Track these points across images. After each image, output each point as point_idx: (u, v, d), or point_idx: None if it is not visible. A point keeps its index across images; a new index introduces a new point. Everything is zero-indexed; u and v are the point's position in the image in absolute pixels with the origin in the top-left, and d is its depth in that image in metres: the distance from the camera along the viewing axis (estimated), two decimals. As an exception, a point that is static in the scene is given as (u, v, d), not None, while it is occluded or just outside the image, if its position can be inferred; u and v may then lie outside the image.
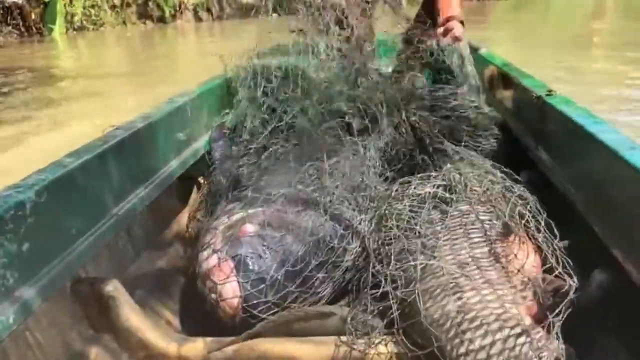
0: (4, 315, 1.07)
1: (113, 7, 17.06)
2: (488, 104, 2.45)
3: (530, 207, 1.57)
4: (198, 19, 17.92)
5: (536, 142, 1.95)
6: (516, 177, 1.69)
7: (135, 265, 1.68)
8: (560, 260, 1.33)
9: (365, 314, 1.38)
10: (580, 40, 10.12)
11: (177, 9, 17.56)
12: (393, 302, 1.33)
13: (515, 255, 1.40)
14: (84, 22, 16.38)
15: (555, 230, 1.48)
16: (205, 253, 1.51)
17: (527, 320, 1.22)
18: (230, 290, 1.43)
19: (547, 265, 1.32)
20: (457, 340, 1.22)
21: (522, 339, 1.18)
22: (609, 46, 9.90)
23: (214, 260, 1.48)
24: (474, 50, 3.05)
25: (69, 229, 1.34)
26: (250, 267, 1.45)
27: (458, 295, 1.29)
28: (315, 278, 1.50)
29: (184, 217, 2.05)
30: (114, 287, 1.38)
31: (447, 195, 1.59)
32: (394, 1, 2.67)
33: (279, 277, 1.45)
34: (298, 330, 1.39)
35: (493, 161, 1.81)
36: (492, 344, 1.18)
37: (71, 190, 1.37)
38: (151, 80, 8.52)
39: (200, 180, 2.17)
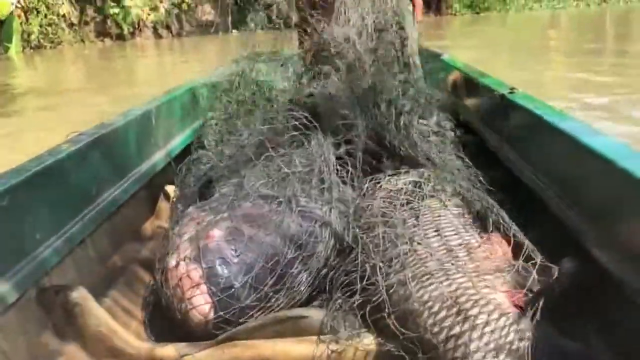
0: None
1: (71, 25, 16.83)
2: (454, 108, 2.52)
3: (498, 200, 1.60)
4: (158, 36, 17.78)
5: (501, 141, 1.99)
6: (482, 175, 1.73)
7: (101, 272, 1.65)
8: (529, 250, 1.36)
9: (340, 312, 1.38)
10: (535, 50, 10.38)
11: (136, 26, 17.41)
12: (374, 294, 1.34)
13: (488, 246, 1.43)
14: (41, 40, 16.12)
15: (525, 223, 1.52)
16: (173, 261, 1.48)
17: (505, 305, 1.24)
18: (200, 298, 1.41)
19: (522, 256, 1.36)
20: (436, 329, 1.23)
21: (502, 323, 1.19)
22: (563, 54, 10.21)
23: (182, 268, 1.45)
24: (436, 56, 3.15)
25: (31, 234, 1.33)
26: (219, 273, 1.44)
27: (435, 284, 1.30)
28: (288, 277, 1.49)
29: (150, 224, 2.04)
30: (79, 294, 1.36)
31: (418, 190, 1.61)
32: None
33: (250, 280, 1.44)
34: (272, 333, 1.38)
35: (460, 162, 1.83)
36: (473, 329, 1.20)
37: (34, 194, 1.35)
38: (109, 93, 8.46)
39: (167, 188, 2.14)
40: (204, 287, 1.42)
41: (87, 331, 1.34)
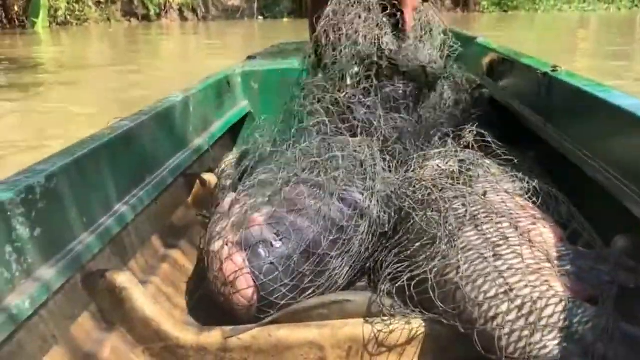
0: (15, 304, 1.04)
1: (98, 3, 16.98)
2: (489, 89, 2.48)
3: (546, 182, 1.53)
4: (183, 18, 17.83)
5: (545, 120, 1.91)
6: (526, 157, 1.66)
7: (144, 258, 1.62)
8: (584, 232, 1.30)
9: (386, 293, 1.33)
10: (561, 53, 10.22)
11: (163, 7, 17.46)
12: (425, 278, 1.27)
13: (542, 230, 1.34)
14: (68, 17, 16.27)
15: (577, 205, 1.46)
16: (215, 245, 1.46)
17: (565, 291, 1.16)
18: (243, 281, 1.39)
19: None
20: (491, 313, 1.15)
21: (562, 308, 1.11)
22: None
23: (224, 252, 1.43)
24: (471, 39, 3.08)
25: (77, 219, 1.31)
26: (262, 256, 1.41)
27: (488, 266, 1.22)
28: (329, 260, 1.45)
29: (190, 210, 2.02)
30: (126, 279, 1.33)
31: (466, 170, 1.53)
32: None
33: (292, 263, 1.41)
34: (317, 316, 1.35)
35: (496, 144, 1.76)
36: (529, 314, 1.12)
37: (79, 179, 1.34)
38: (128, 70, 8.46)
39: (205, 175, 2.12)
40: (246, 271, 1.39)
41: (133, 316, 1.31)
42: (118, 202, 1.51)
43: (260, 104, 2.43)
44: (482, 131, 1.67)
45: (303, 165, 1.68)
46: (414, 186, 1.51)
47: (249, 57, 3.06)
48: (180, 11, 17.82)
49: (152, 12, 17.23)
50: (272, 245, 1.42)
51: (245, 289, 1.38)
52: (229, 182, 1.79)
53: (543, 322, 1.10)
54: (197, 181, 2.10)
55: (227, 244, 1.44)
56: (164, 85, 7.43)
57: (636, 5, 21.30)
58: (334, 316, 1.34)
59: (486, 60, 2.71)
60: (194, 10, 17.95)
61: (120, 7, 17.39)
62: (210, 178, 2.06)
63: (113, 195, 1.50)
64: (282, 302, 1.38)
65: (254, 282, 1.38)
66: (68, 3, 16.22)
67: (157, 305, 1.36)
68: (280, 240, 1.44)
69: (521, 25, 17.29)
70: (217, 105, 2.44)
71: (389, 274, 1.37)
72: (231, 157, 2.01)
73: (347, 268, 1.50)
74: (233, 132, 2.16)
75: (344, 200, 1.56)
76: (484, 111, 2.27)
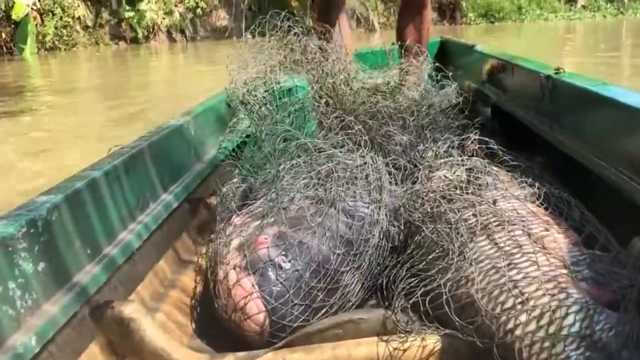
0: (21, 342, 1.01)
1: (86, 27, 16.96)
2: (489, 96, 2.48)
3: (557, 187, 1.51)
4: (172, 40, 17.86)
5: (551, 123, 1.89)
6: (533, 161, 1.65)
7: (151, 286, 1.59)
8: (602, 239, 1.28)
9: (400, 310, 1.30)
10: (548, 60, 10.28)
11: (151, 30, 17.47)
12: (436, 288, 1.24)
13: (556, 235, 1.32)
14: (56, 42, 16.23)
15: (590, 208, 1.43)
16: (223, 270, 1.43)
17: (583, 297, 1.13)
18: (254, 306, 1.34)
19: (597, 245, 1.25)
20: (510, 325, 1.12)
21: (583, 315, 1.08)
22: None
23: (232, 277, 1.39)
24: (469, 47, 3.08)
25: (81, 250, 1.29)
26: (272, 278, 1.37)
27: (510, 283, 1.19)
28: (341, 277, 1.42)
29: (196, 236, 1.98)
30: (134, 309, 1.30)
31: (474, 179, 1.50)
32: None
33: (303, 284, 1.37)
34: (332, 336, 1.31)
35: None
36: (550, 323, 1.08)
37: (82, 208, 1.33)
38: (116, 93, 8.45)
39: (209, 200, 2.09)
40: (256, 295, 1.35)
41: (143, 347, 1.27)
42: (122, 231, 1.48)
43: (262, 124, 2.42)
44: (487, 139, 1.65)
45: (307, 183, 1.65)
46: (422, 198, 1.48)
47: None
48: (169, 33, 17.83)
49: (140, 35, 17.23)
50: (280, 267, 1.38)
51: (256, 315, 1.34)
52: (233, 204, 1.74)
53: (564, 332, 1.07)
54: (202, 205, 2.07)
55: (234, 269, 1.40)
56: (160, 105, 7.46)
57: (622, 13, 21.49)
58: (349, 336, 1.30)
59: (486, 67, 2.70)
60: (182, 32, 17.98)
61: (108, 30, 17.38)
62: (214, 202, 2.03)
63: (116, 224, 1.47)
64: (295, 325, 1.34)
65: (265, 306, 1.34)
66: (56, 28, 16.19)
67: (167, 334, 1.33)
68: (289, 260, 1.40)
69: (509, 34, 17.40)
70: (219, 128, 2.40)
71: (402, 289, 1.33)
72: (235, 180, 1.99)
73: (359, 285, 1.46)
74: (236, 154, 2.14)
75: (351, 215, 1.52)
76: (487, 119, 2.26)
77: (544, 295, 1.13)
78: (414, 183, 1.65)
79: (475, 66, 2.84)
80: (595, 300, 1.13)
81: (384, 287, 1.46)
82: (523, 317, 1.12)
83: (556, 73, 1.88)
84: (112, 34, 17.45)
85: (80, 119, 6.97)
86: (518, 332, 1.11)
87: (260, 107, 2.25)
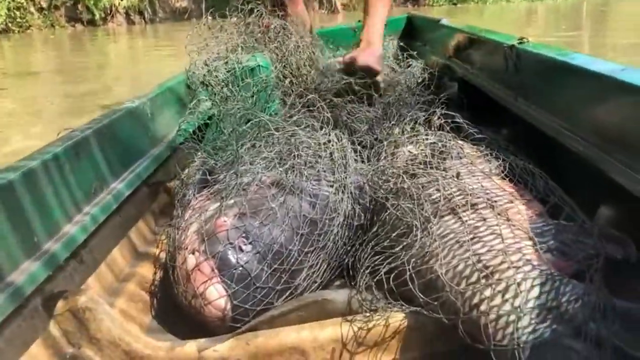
0: None
1: (40, 9, 16.48)
2: (456, 70, 2.46)
3: (522, 159, 1.49)
4: (130, 22, 17.48)
5: (516, 95, 1.87)
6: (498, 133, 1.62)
7: (108, 274, 1.53)
8: (565, 206, 1.26)
9: (365, 289, 1.27)
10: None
11: (108, 12, 17.09)
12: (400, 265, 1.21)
13: (521, 207, 1.30)
14: (9, 24, 15.76)
15: (555, 179, 1.41)
16: (181, 255, 1.38)
17: (547, 267, 1.11)
18: (214, 292, 1.30)
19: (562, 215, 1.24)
20: (483, 307, 1.09)
21: (548, 287, 1.06)
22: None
23: (191, 262, 1.35)
24: (435, 22, 3.07)
25: (28, 238, 1.23)
26: (232, 262, 1.32)
27: (475, 257, 1.16)
28: (305, 258, 1.39)
29: (154, 220, 1.94)
30: (88, 298, 1.25)
31: (439, 153, 1.47)
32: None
33: (265, 266, 1.33)
34: (296, 319, 1.28)
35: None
36: (524, 304, 1.05)
37: (30, 194, 1.27)
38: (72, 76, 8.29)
39: (169, 184, 2.04)
40: (216, 280, 1.31)
41: (100, 337, 1.23)
42: (75, 216, 1.42)
43: (223, 105, 2.35)
44: (453, 113, 1.61)
45: (269, 163, 1.61)
46: (386, 174, 1.44)
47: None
48: (127, 14, 17.45)
49: (97, 17, 16.81)
50: (241, 250, 1.34)
51: (216, 300, 1.29)
52: (192, 188, 1.70)
53: (530, 305, 1.04)
54: (161, 190, 2.02)
55: (192, 253, 1.35)
56: (118, 88, 7.28)
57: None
58: (313, 318, 1.27)
59: (452, 41, 2.67)
60: (140, 13, 17.60)
61: (64, 12, 16.93)
62: (174, 186, 1.97)
63: (69, 210, 1.41)
64: (258, 309, 1.30)
65: (226, 290, 1.30)
66: (9, 10, 15.72)
67: (126, 323, 1.28)
68: (250, 242, 1.35)
69: (472, 16, 17.48)
70: (178, 110, 2.34)
71: (367, 268, 1.30)
72: (196, 163, 1.95)
73: (325, 265, 1.43)
74: (197, 137, 2.08)
75: (314, 194, 1.49)
76: (454, 93, 2.23)
77: (508, 268, 1.10)
78: (378, 160, 1.61)
79: (442, 41, 2.80)
80: (560, 272, 1.11)
81: (350, 266, 1.44)
82: (488, 292, 1.09)
83: (520, 43, 1.84)
84: (68, 15, 16.99)
85: (32, 103, 6.77)
86: (483, 306, 1.07)
87: (222, 88, 2.20)
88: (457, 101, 2.17)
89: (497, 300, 1.07)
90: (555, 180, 1.42)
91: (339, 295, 1.31)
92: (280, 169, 1.56)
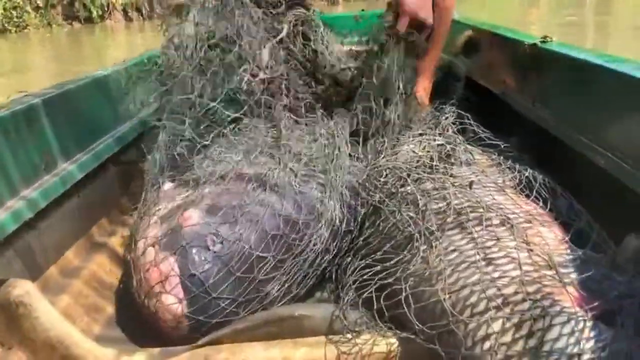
0: None
1: (37, 8, 16.38)
2: (462, 68, 2.28)
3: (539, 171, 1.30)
4: (128, 19, 17.37)
5: (534, 99, 1.68)
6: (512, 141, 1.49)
7: (55, 263, 1.37)
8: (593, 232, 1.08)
9: (352, 307, 1.12)
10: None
11: (106, 9, 16.97)
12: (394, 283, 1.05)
13: (539, 228, 1.11)
14: (5, 24, 15.68)
15: (577, 196, 1.24)
16: (141, 248, 1.21)
17: (569, 303, 0.93)
18: (170, 294, 1.14)
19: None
20: (490, 343, 0.91)
21: (570, 328, 0.88)
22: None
23: (149, 256, 1.18)
24: None
25: None
26: (196, 261, 1.16)
27: (484, 282, 0.98)
28: (281, 264, 1.23)
29: (119, 205, 1.77)
30: (26, 290, 1.08)
31: (445, 157, 1.30)
32: None
33: (234, 270, 1.17)
34: (266, 335, 1.12)
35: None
36: (540, 346, 0.87)
37: None
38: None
39: (134, 166, 1.84)
40: (175, 281, 1.14)
41: (34, 337, 1.06)
42: (20, 192, 1.25)
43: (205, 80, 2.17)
44: (463, 113, 1.43)
45: (252, 151, 1.45)
46: (385, 175, 1.26)
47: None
48: (125, 11, 17.34)
49: (94, 14, 16.71)
50: (208, 248, 1.17)
51: (172, 304, 1.13)
52: (163, 173, 1.52)
53: (546, 347, 0.86)
54: (129, 173, 1.82)
55: (152, 246, 1.19)
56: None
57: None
58: (286, 334, 1.11)
59: (462, 37, 2.46)
60: (138, 10, 17.48)
61: (61, 10, 16.83)
62: (140, 169, 1.76)
63: (14, 184, 1.24)
64: (222, 319, 1.14)
65: (185, 294, 1.13)
66: (5, 10, 15.64)
67: (67, 323, 1.10)
68: (221, 242, 1.19)
69: (473, 8, 17.39)
70: (150, 85, 2.14)
71: (354, 282, 1.14)
72: (164, 145, 1.76)
73: (303, 275, 1.27)
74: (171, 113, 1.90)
75: (301, 192, 1.33)
76: (462, 93, 2.05)
77: (524, 300, 0.93)
78: (376, 159, 1.43)
79: (451, 36, 2.62)
80: (586, 312, 0.92)
81: (334, 277, 1.30)
82: (497, 325, 0.92)
83: (542, 42, 1.65)
84: (65, 14, 16.90)
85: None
86: (489, 343, 0.91)
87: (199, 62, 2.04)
88: (464, 102, 1.98)
89: (507, 337, 0.90)
90: (577, 199, 1.24)
91: (319, 311, 1.14)
92: (263, 159, 1.40)
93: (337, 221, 1.32)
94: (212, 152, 1.48)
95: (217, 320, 1.14)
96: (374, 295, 1.07)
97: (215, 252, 1.18)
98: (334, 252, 1.33)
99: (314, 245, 1.27)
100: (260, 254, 1.19)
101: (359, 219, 1.35)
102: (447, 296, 0.99)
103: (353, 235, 1.34)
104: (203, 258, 1.16)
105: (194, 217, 1.23)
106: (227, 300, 1.15)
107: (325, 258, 1.31)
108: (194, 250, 1.16)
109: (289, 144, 1.48)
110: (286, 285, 1.24)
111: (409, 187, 1.18)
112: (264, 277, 1.19)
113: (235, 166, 1.38)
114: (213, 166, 1.40)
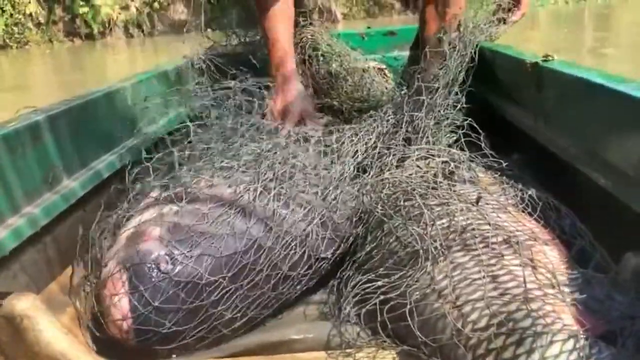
0: None
1: (38, 24, 16.49)
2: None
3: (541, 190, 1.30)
4: (129, 35, 17.44)
5: (535, 117, 1.68)
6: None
7: (60, 277, 1.37)
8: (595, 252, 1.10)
9: (354, 323, 1.13)
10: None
11: (106, 26, 17.06)
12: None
13: (541, 247, 1.12)
14: (7, 40, 15.78)
15: (580, 215, 1.24)
16: (106, 261, 1.21)
17: (572, 323, 0.94)
18: (118, 309, 1.13)
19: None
20: (481, 350, 0.94)
21: (570, 347, 0.89)
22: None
23: (106, 270, 1.18)
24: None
25: None
26: (146, 279, 1.14)
27: (487, 299, 0.99)
28: (235, 292, 1.19)
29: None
30: (29, 304, 1.05)
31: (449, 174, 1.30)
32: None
33: (180, 293, 1.14)
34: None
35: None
36: (531, 351, 0.89)
37: None
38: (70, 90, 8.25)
39: (139, 183, 1.83)
40: (124, 298, 1.13)
41: (39, 351, 1.04)
42: (18, 210, 1.25)
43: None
44: (473, 128, 1.44)
45: (232, 170, 1.42)
46: (389, 189, 1.27)
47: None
48: (125, 28, 17.42)
49: (95, 31, 16.81)
50: (161, 267, 1.15)
51: (118, 320, 1.12)
52: (150, 190, 1.48)
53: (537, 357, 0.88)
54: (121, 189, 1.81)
55: (110, 261, 1.19)
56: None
57: (584, -1, 21.60)
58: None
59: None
60: (139, 27, 17.56)
61: (62, 27, 16.93)
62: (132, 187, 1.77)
63: (11, 202, 1.24)
64: (170, 343, 1.13)
65: (131, 311, 1.12)
66: (6, 26, 15.73)
67: (71, 337, 1.08)
68: (179, 261, 1.16)
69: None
70: (166, 98, 2.13)
71: (355, 296, 1.15)
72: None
73: (266, 299, 1.23)
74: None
75: (274, 214, 1.28)
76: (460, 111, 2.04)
77: (526, 317, 0.94)
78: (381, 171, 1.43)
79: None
80: (587, 330, 0.93)
81: (334, 288, 1.29)
82: (499, 341, 0.93)
83: (544, 60, 1.64)
84: (66, 30, 17.00)
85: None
86: (492, 358, 0.92)
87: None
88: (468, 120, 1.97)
89: (508, 353, 0.91)
90: (579, 219, 1.24)
91: (314, 331, 1.15)
92: (247, 178, 1.37)
93: (319, 244, 1.30)
94: (196, 169, 1.46)
95: (162, 337, 1.13)
96: (377, 308, 1.07)
97: (169, 269, 1.15)
98: (331, 263, 1.33)
99: (277, 269, 1.24)
100: (211, 277, 1.16)
101: (361, 233, 1.35)
102: (451, 309, 1.00)
103: (352, 250, 1.34)
104: (155, 276, 1.14)
105: (154, 232, 1.22)
106: (174, 321, 1.13)
107: (296, 282, 1.29)
108: (145, 267, 1.15)
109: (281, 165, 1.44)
110: (242, 309, 1.21)
111: (414, 202, 1.19)
112: (215, 299, 1.16)
113: (212, 184, 1.36)
114: (192, 184, 1.38)
